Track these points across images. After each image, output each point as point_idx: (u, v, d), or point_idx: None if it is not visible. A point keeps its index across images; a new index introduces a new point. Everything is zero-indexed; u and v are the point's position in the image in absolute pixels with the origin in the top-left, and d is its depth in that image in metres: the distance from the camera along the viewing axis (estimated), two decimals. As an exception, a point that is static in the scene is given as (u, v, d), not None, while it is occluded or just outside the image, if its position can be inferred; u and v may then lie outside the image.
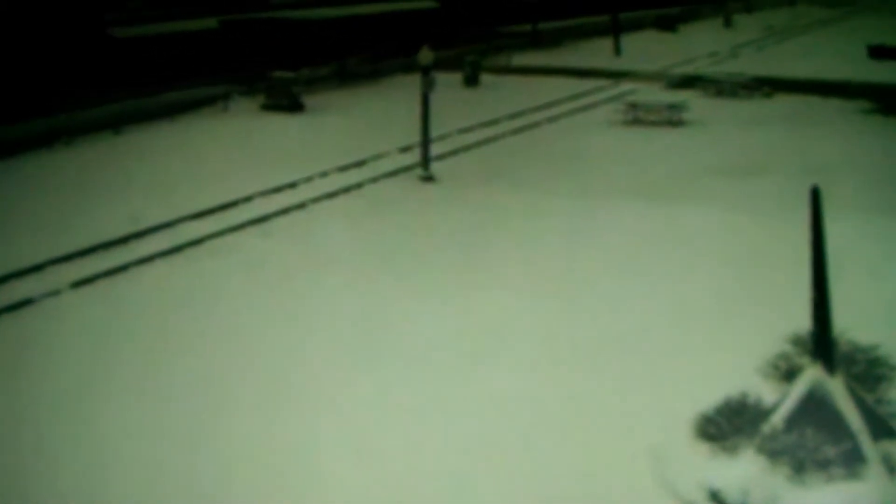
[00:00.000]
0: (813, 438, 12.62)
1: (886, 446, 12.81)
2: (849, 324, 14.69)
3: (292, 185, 27.03)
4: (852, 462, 12.44)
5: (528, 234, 22.82)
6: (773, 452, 12.64)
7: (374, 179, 28.14)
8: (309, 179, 27.67)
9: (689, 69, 50.18)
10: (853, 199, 23.82)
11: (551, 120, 37.16)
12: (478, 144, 32.86)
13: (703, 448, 13.23)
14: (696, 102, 38.81)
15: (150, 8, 47.29)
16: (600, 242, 22.13)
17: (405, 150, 30.78)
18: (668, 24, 71.73)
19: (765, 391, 14.37)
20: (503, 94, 42.40)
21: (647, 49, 58.35)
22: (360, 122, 36.02)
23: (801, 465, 12.39)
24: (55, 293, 19.55)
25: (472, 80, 45.21)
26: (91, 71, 37.36)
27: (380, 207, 25.63)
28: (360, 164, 29.66)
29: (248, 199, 25.63)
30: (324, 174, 28.23)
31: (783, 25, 75.03)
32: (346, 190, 27.00)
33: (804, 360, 14.28)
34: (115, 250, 21.88)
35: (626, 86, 44.77)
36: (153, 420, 14.45)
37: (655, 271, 20.31)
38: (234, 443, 13.80)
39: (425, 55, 27.62)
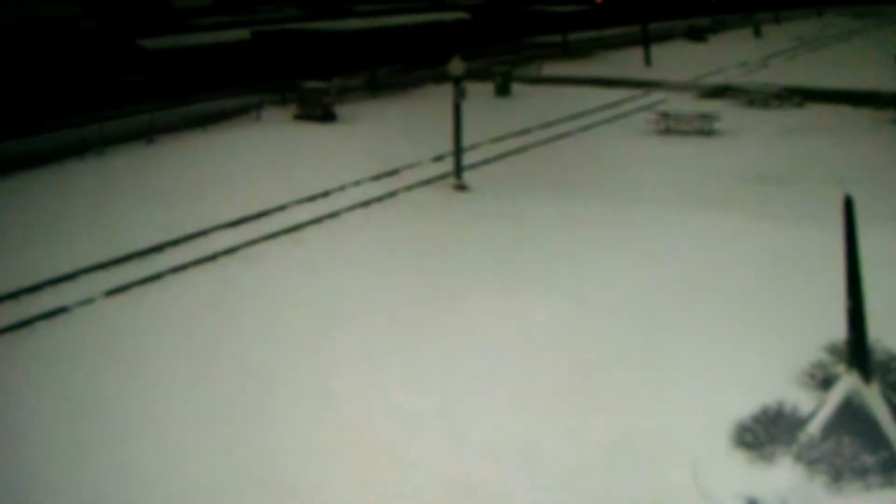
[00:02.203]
0: (850, 447, 12.60)
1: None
2: (884, 332, 14.66)
3: (325, 194, 27.15)
4: (890, 470, 12.40)
5: (562, 245, 22.71)
6: (810, 461, 12.61)
7: (408, 188, 28.23)
8: (342, 188, 27.79)
9: (719, 79, 50.08)
10: (886, 208, 23.68)
11: (583, 129, 37.14)
12: (510, 154, 32.90)
13: (741, 456, 13.20)
14: (727, 112, 38.75)
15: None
16: (634, 254, 22.04)
17: (438, 159, 30.90)
18: (698, 35, 71.82)
19: (801, 399, 14.34)
20: (534, 103, 42.43)
21: (677, 59, 58.39)
22: (392, 131, 36.15)
23: (838, 473, 12.37)
24: (89, 301, 19.73)
25: (502, 90, 45.31)
26: (123, 82, 37.75)
27: (412, 216, 25.68)
28: (392, 173, 29.77)
29: (280, 208, 25.78)
30: (356, 183, 28.35)
31: (812, 36, 74.81)
32: (379, 199, 27.09)
33: (840, 368, 14.27)
34: (149, 259, 22.08)
35: (657, 96, 44.74)
36: (190, 425, 14.60)
37: (687, 280, 20.22)
38: (272, 443, 13.94)
39: (456, 65, 27.67)
